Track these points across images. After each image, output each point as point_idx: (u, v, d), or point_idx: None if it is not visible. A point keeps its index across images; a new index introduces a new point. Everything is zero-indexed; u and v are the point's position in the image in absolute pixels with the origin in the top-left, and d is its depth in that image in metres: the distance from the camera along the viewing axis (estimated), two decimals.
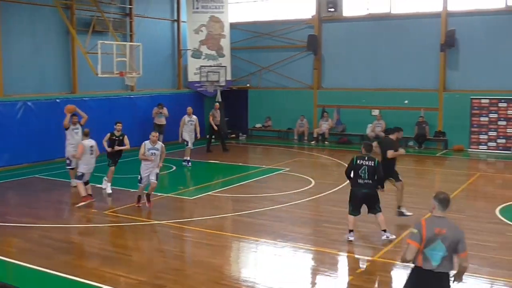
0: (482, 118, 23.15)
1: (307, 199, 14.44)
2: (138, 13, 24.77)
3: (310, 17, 26.73)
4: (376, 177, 10.62)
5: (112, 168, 14.98)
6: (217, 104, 23.59)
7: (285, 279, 8.97)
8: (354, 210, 10.78)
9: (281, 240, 10.80)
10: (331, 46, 26.47)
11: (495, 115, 22.92)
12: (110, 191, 14.78)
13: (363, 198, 10.72)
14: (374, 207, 10.75)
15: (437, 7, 23.81)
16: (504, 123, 22.76)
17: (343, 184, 16.06)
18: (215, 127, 22.67)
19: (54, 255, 10.03)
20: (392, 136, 12.74)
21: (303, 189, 15.60)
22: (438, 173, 19.61)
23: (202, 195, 14.90)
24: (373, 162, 10.59)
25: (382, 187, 11.43)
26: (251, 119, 28.59)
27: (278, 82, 27.83)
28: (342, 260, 9.97)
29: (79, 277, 8.86)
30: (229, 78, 27.59)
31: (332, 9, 25.67)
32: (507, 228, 11.70)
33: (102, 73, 19.98)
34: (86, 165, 13.74)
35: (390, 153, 12.23)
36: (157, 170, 13.38)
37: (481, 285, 8.79)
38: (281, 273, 9.27)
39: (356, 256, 9.95)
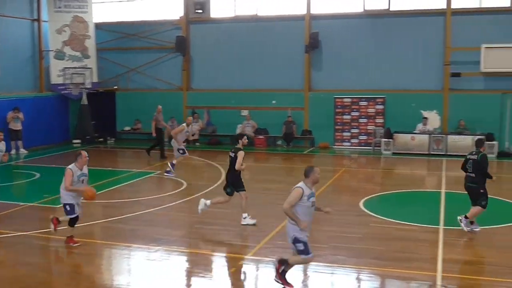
0: (345, 116, 24.36)
1: (180, 201, 14.31)
2: None
3: (178, 18, 26.58)
4: (478, 171, 11.05)
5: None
6: (160, 106, 21.98)
7: (160, 283, 8.80)
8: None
9: (154, 244, 10.59)
10: (199, 47, 26.51)
11: (357, 113, 24.22)
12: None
13: (468, 190, 11.33)
14: (475, 202, 11.18)
15: (301, 10, 24.69)
16: (365, 120, 24.12)
17: (215, 185, 16.14)
18: (154, 133, 21.34)
19: None
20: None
21: (175, 191, 15.45)
22: None
23: None
24: (476, 156, 11.16)
25: (490, 177, 11.29)
26: (120, 122, 27.88)
27: (147, 84, 27.38)
28: (217, 260, 9.98)
29: None
30: (95, 80, 26.68)
31: (200, 11, 25.74)
32: (370, 219, 12.36)
33: None
34: None
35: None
36: None
37: (349, 274, 9.19)
38: (155, 278, 9.08)
39: (231, 255, 10.00)
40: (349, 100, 24.33)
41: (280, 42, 25.08)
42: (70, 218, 10.47)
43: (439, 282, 8.66)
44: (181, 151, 17.88)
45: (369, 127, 24.11)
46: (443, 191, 15.49)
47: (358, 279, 9.08)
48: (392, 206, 14.23)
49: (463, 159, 11.61)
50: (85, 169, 10.53)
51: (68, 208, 10.40)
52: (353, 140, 24.38)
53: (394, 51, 23.76)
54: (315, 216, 12.31)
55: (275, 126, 25.04)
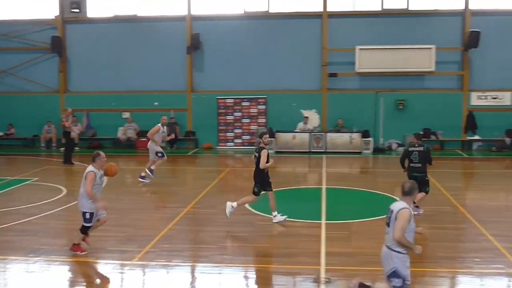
0: (228, 117, 24.55)
1: (59, 208, 13.66)
2: None
3: (53, 17, 25.44)
4: (425, 161, 12.24)
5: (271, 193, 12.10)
6: (69, 109, 20.72)
7: None
8: None
9: (32, 255, 10.01)
10: (77, 48, 25.55)
11: (240, 114, 24.49)
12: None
13: (413, 180, 11.58)
14: (422, 188, 11.83)
15: (182, 11, 24.56)
16: (248, 120, 24.46)
17: None
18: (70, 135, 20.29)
19: None
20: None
21: (54, 198, 14.72)
22: (191, 172, 20.21)
23: None
24: (423, 148, 12.29)
25: (431, 164, 12.54)
26: None
27: (20, 87, 25.92)
28: (101, 268, 9.62)
29: None
30: None
31: (76, 10, 24.83)
32: (256, 218, 12.51)
33: None
34: None
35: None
36: None
37: (237, 273, 9.23)
38: None
39: (115, 261, 9.69)
40: (231, 100, 24.55)
41: (161, 43, 24.80)
42: (84, 226, 9.95)
43: (323, 275, 8.93)
44: (159, 154, 16.84)
45: (252, 127, 24.47)
46: (324, 187, 16.05)
47: (246, 277, 9.15)
48: (276, 204, 14.50)
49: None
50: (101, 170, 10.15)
51: (88, 216, 9.88)
52: (236, 140, 24.64)
53: (275, 52, 24.30)
54: (202, 217, 12.31)
55: None
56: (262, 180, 11.91)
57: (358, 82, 24.20)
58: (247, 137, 24.55)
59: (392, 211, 6.93)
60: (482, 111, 23.52)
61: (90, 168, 9.86)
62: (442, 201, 13.78)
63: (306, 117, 23.75)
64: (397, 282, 6.87)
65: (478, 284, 8.86)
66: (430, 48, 22.86)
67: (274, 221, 11.95)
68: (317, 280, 8.74)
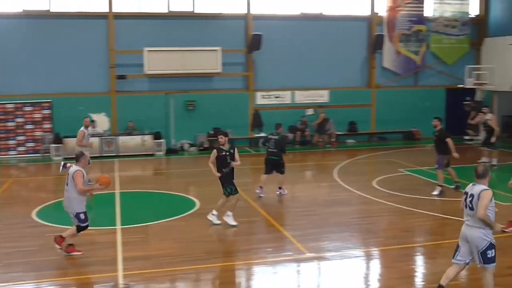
0: (9, 123, 22.71)
1: None
2: None
3: None
4: (280, 147, 14.38)
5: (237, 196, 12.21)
6: None
7: None
8: (267, 171, 14.57)
9: None
10: None
11: (22, 120, 22.82)
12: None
13: (271, 163, 14.50)
14: (279, 169, 14.54)
15: None
16: (32, 126, 22.86)
17: None
18: None
19: None
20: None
21: None
22: None
23: None
24: (277, 136, 14.55)
25: (285, 152, 14.68)
26: None
27: None
28: None
29: None
30: None
31: None
32: (45, 229, 11.76)
33: None
34: None
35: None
36: None
37: None
38: None
39: None
40: (12, 105, 22.76)
41: None
42: (81, 226, 9.91)
43: (120, 281, 8.70)
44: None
45: (36, 133, 22.95)
46: (117, 191, 15.66)
47: None
48: (67, 213, 13.80)
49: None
50: None
51: (82, 216, 9.89)
52: (20, 148, 22.90)
53: (59, 54, 23.03)
54: None
55: None
56: (224, 180, 11.88)
57: (147, 84, 24.07)
58: (32, 144, 22.96)
59: (473, 195, 7.30)
60: (266, 109, 24.96)
61: (75, 167, 9.83)
62: None
63: (94, 121, 22.93)
64: (492, 252, 7.31)
65: (271, 272, 9.34)
66: (216, 50, 23.60)
67: (209, 217, 12.10)
68: (115, 287, 8.49)
